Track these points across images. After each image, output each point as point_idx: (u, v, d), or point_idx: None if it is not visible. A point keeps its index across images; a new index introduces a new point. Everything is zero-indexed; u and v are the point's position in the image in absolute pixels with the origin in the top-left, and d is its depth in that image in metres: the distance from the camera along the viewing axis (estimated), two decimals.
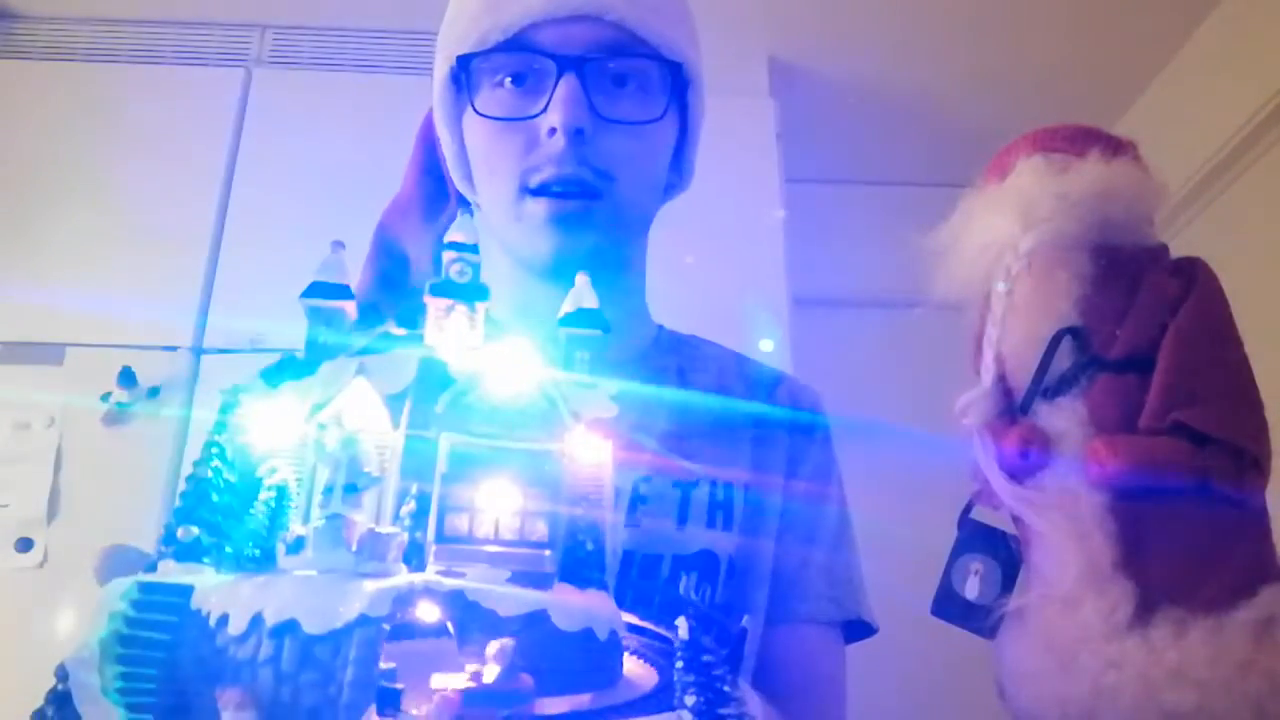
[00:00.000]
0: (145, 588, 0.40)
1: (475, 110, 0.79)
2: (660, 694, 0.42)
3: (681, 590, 0.52)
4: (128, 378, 1.75)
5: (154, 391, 1.78)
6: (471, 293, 0.47)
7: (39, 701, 0.38)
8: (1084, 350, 0.52)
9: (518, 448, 0.43)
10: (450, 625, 0.37)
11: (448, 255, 0.48)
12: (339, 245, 0.48)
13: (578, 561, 0.44)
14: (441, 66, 0.82)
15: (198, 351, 1.84)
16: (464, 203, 0.87)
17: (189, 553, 0.42)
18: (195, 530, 0.42)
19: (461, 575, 0.39)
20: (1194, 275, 0.53)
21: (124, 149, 1.98)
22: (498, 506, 0.42)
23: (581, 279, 0.52)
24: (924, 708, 2.06)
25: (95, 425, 1.75)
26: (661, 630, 0.48)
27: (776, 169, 2.15)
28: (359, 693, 0.35)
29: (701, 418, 0.84)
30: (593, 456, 0.46)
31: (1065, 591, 0.50)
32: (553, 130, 0.75)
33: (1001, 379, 0.55)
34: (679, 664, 0.40)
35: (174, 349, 1.83)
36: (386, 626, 0.36)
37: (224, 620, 0.37)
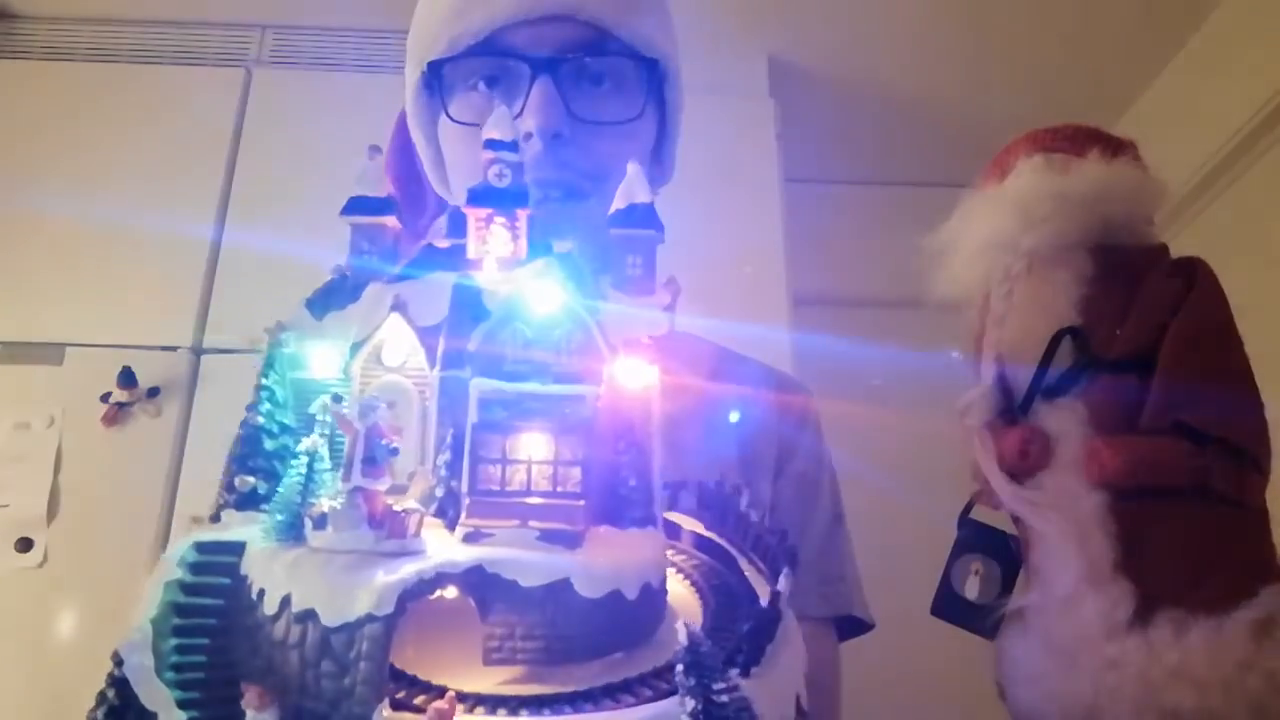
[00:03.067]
0: (202, 547, 0.40)
1: (449, 116, 0.78)
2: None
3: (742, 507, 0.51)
4: (128, 378, 1.75)
5: (154, 391, 1.78)
6: (511, 198, 0.45)
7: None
8: (1084, 350, 0.52)
9: (551, 392, 0.42)
10: (472, 601, 0.37)
11: (486, 155, 0.46)
12: (375, 150, 0.47)
13: (620, 500, 0.43)
14: (412, 73, 0.80)
15: (198, 351, 1.84)
16: (444, 205, 0.86)
17: (248, 501, 0.42)
18: (251, 480, 0.42)
19: (490, 536, 0.39)
20: (1194, 275, 0.53)
21: (124, 149, 1.98)
22: (530, 456, 0.41)
23: (633, 167, 0.49)
24: (924, 708, 2.06)
25: (95, 425, 1.75)
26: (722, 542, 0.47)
27: (776, 169, 2.14)
28: (368, 688, 0.35)
29: (691, 414, 0.83)
30: (639, 383, 0.44)
31: (1065, 591, 0.50)
32: (529, 135, 0.74)
33: (1001, 379, 0.55)
34: (679, 666, 0.39)
35: (174, 349, 1.83)
36: (395, 623, 0.36)
37: (261, 595, 0.38)
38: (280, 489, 0.41)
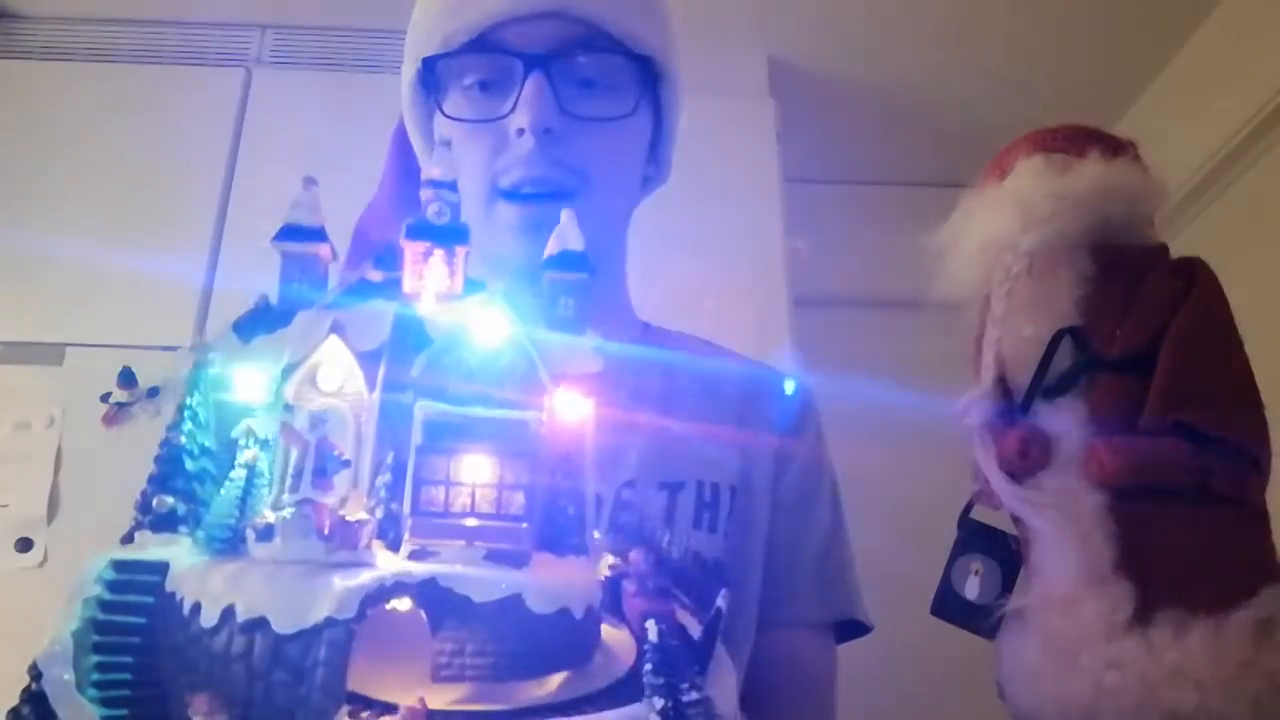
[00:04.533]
0: (120, 565, 0.39)
1: (443, 113, 0.78)
2: (633, 679, 0.41)
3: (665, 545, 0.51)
4: (128, 378, 1.75)
5: (154, 391, 1.77)
6: (450, 235, 0.45)
7: None
8: (1084, 350, 0.52)
9: (494, 416, 0.42)
10: (423, 614, 0.37)
11: (425, 194, 0.46)
12: (311, 182, 0.46)
13: (557, 528, 0.43)
14: (408, 70, 0.81)
15: None
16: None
17: (165, 523, 0.41)
18: (170, 500, 0.41)
19: (436, 554, 0.39)
20: (1194, 275, 0.53)
21: (124, 149, 1.98)
22: (474, 479, 0.41)
23: (566, 215, 0.50)
24: (924, 708, 2.06)
25: (95, 425, 1.75)
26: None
27: (776, 169, 2.14)
28: (327, 696, 0.34)
29: (688, 417, 0.82)
30: (574, 415, 0.44)
31: (1065, 592, 0.50)
32: (521, 131, 0.74)
33: (1001, 379, 0.55)
34: (648, 666, 0.39)
35: (174, 349, 1.83)
36: (355, 628, 0.35)
37: (196, 609, 0.37)
38: (215, 503, 0.40)
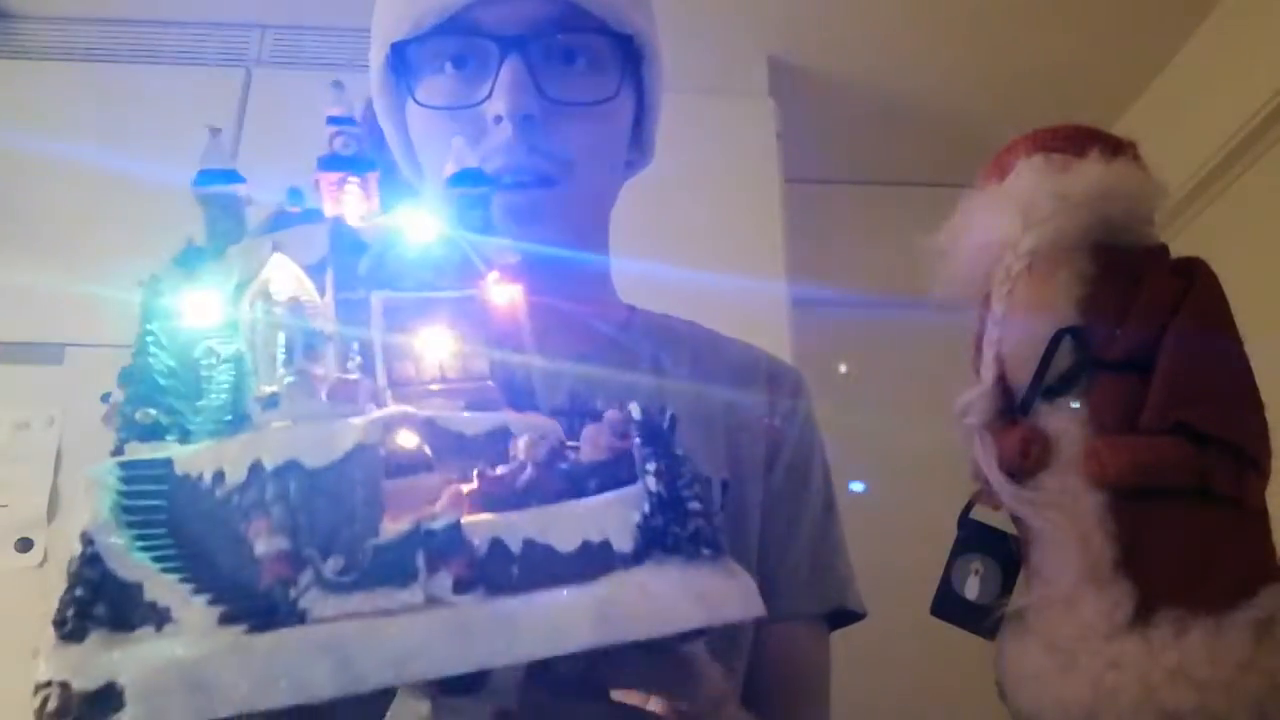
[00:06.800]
0: (126, 465, 0.41)
1: (416, 101, 0.75)
2: (619, 463, 0.44)
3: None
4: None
5: None
6: (361, 164, 0.48)
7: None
8: (1084, 350, 0.52)
9: (444, 296, 0.46)
10: (427, 449, 0.40)
11: (329, 130, 0.49)
12: (216, 131, 0.50)
13: (513, 392, 0.48)
14: (377, 55, 0.77)
15: None
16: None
17: (152, 433, 0.43)
18: (153, 413, 0.43)
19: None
20: (1194, 275, 0.53)
21: (124, 149, 1.98)
22: (437, 350, 0.45)
23: (456, 140, 0.53)
24: (924, 708, 2.06)
25: (95, 425, 1.75)
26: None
27: (776, 169, 2.14)
28: (371, 508, 0.37)
29: (676, 408, 0.82)
30: (506, 297, 0.49)
31: (1065, 591, 0.50)
32: (499, 118, 0.71)
33: (1001, 379, 0.55)
34: (636, 439, 0.43)
35: None
36: (382, 451, 0.38)
37: (219, 476, 0.38)
38: (208, 397, 0.42)
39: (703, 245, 1.91)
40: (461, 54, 0.73)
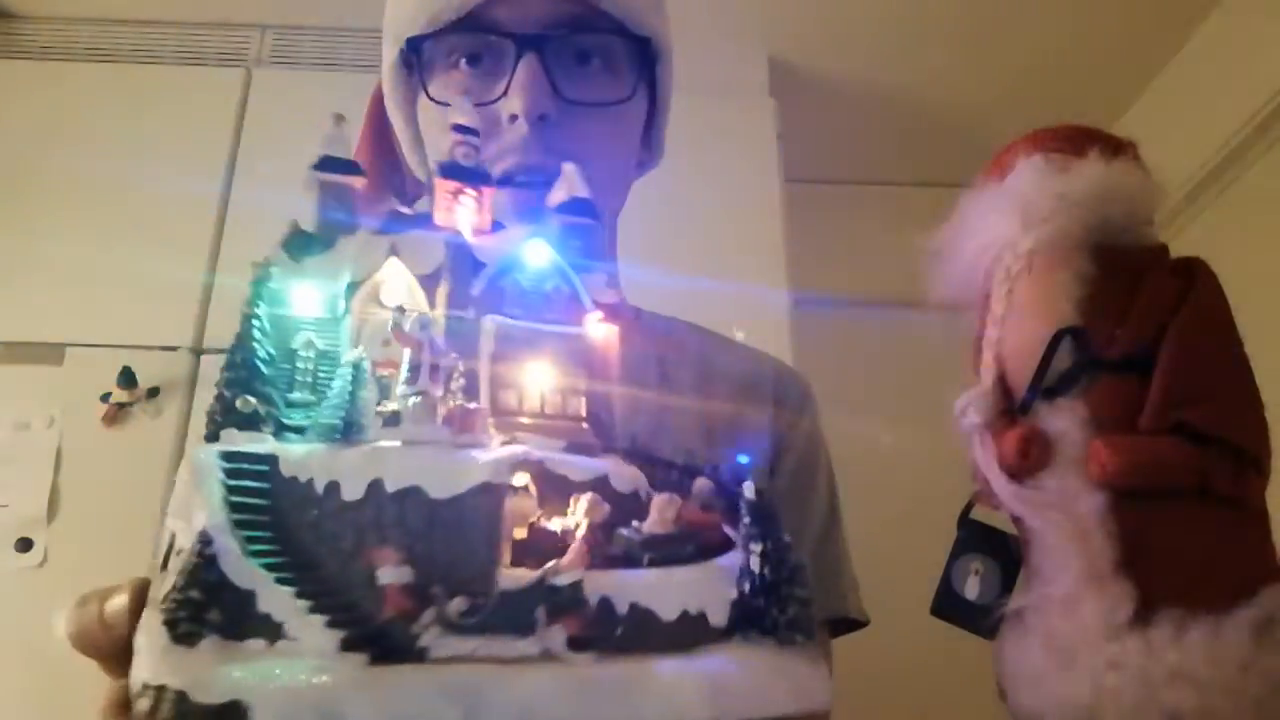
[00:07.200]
0: (229, 456, 0.40)
1: (429, 97, 0.74)
2: (683, 539, 0.45)
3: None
4: (128, 378, 1.75)
5: (154, 391, 1.78)
6: (479, 177, 0.49)
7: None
8: (1084, 350, 0.52)
9: (553, 330, 0.47)
10: (533, 488, 0.41)
11: (454, 137, 0.49)
12: (341, 119, 0.49)
13: (599, 427, 0.49)
14: (390, 49, 0.77)
15: (198, 352, 1.84)
16: (421, 189, 0.82)
17: (250, 422, 0.42)
18: (253, 401, 0.42)
19: (524, 445, 0.42)
20: (1194, 275, 0.53)
21: (124, 149, 1.98)
22: (541, 383, 0.46)
23: (569, 168, 0.54)
24: (924, 708, 2.06)
25: (95, 425, 1.75)
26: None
27: (776, 169, 2.14)
28: (490, 549, 0.37)
29: (681, 412, 0.80)
30: (602, 335, 0.49)
31: (1065, 591, 0.50)
32: (514, 117, 0.70)
33: (1001, 379, 0.55)
34: (746, 519, 0.44)
35: (174, 349, 1.83)
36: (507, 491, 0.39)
37: (334, 487, 0.38)
38: (326, 399, 0.42)
39: (703, 245, 1.91)
40: (476, 51, 0.73)
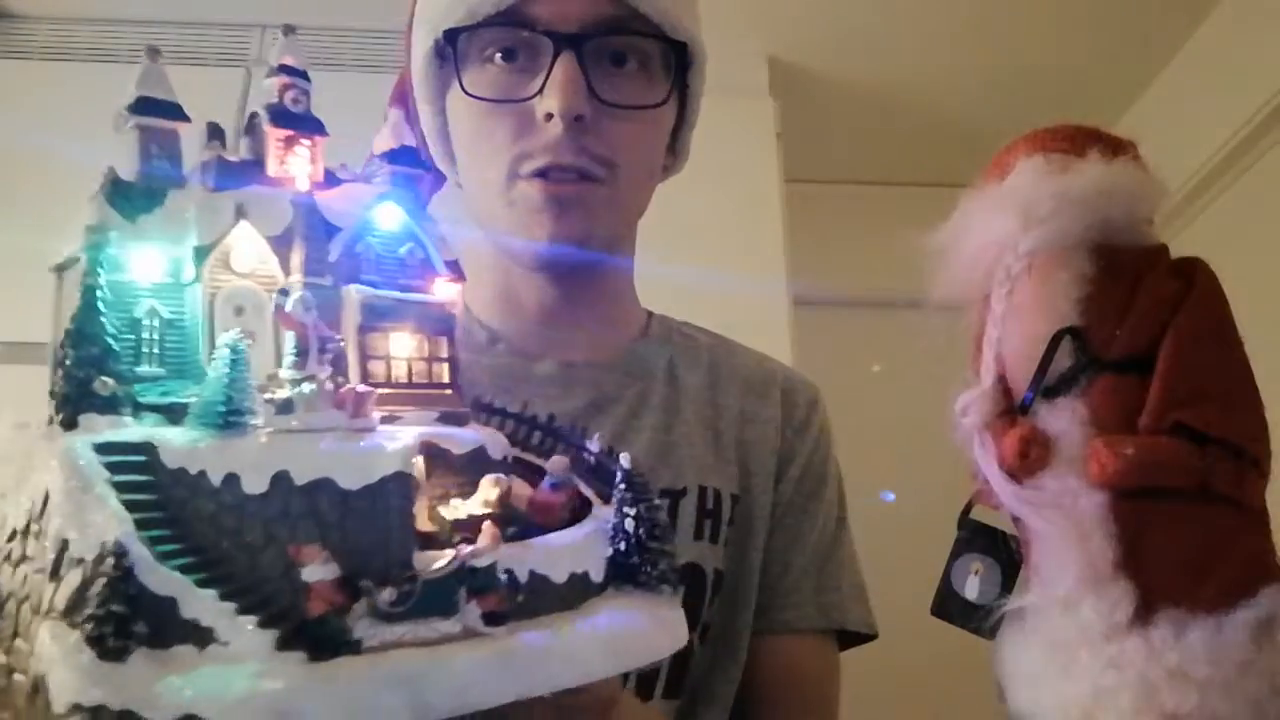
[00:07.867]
0: (103, 448, 0.37)
1: (464, 89, 0.74)
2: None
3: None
4: None
5: None
6: (312, 124, 0.47)
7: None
8: (1084, 350, 0.52)
9: (415, 299, 0.48)
10: (423, 464, 0.43)
11: (280, 80, 0.47)
12: (154, 52, 0.45)
13: (461, 395, 0.50)
14: (425, 40, 0.76)
15: None
16: (442, 180, 0.82)
17: (110, 405, 0.40)
18: (110, 383, 0.40)
19: (402, 419, 0.44)
20: (1194, 275, 0.53)
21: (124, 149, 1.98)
22: (405, 354, 0.47)
23: (393, 113, 0.53)
24: (924, 708, 2.06)
25: None
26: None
27: (776, 169, 2.15)
28: (405, 535, 0.39)
29: (691, 418, 0.81)
30: (450, 297, 0.50)
31: (1065, 591, 0.50)
32: (549, 115, 0.70)
33: (1001, 379, 0.55)
34: (621, 486, 0.47)
35: None
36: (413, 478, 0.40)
37: (232, 479, 0.37)
38: (205, 385, 0.39)
39: (704, 245, 1.91)
40: (512, 46, 0.73)
